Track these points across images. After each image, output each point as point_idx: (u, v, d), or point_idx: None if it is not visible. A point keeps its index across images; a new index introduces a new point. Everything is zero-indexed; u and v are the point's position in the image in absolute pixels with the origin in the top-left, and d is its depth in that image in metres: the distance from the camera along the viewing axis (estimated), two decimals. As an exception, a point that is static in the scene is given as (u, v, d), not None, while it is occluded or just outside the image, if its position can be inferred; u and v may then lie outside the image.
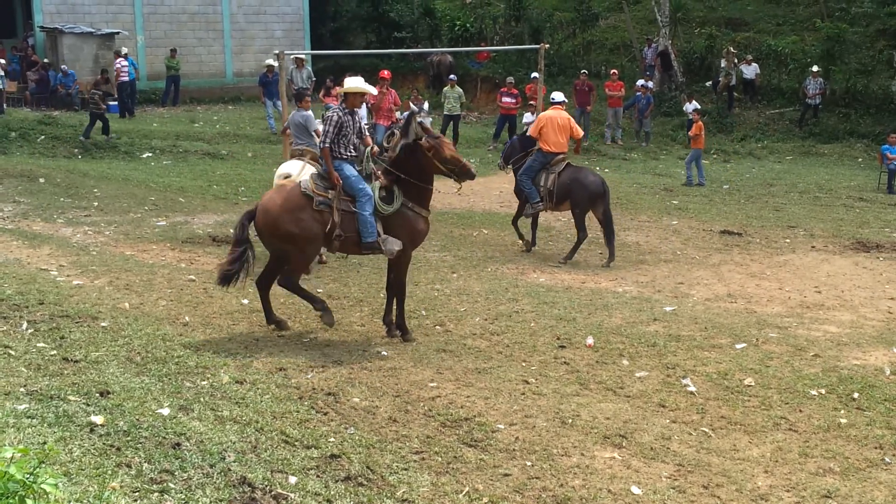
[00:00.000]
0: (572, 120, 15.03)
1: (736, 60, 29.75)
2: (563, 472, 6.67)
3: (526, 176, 14.52)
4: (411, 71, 33.27)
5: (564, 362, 9.09)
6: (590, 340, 9.70)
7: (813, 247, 15.39)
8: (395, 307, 9.77)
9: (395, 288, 9.76)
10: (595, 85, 27.75)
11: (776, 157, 26.33)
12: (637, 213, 18.05)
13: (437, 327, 10.15)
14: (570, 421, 7.61)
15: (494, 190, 19.67)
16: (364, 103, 15.57)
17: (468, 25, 33.61)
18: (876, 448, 7.33)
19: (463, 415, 7.60)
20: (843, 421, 7.83)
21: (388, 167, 9.45)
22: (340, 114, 9.40)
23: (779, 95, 30.26)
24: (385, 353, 9.14)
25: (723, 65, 29.65)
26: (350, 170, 9.38)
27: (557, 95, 15.11)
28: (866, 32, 31.53)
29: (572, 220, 14.69)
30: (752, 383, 8.63)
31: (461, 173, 9.53)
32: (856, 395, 8.40)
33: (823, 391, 8.51)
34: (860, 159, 26.22)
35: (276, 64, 22.09)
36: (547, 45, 26.67)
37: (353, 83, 9.78)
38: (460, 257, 13.87)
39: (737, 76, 30.09)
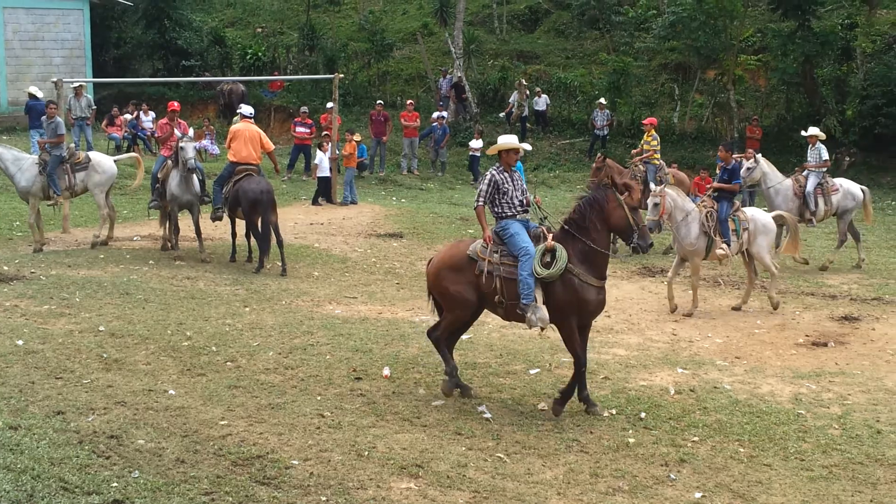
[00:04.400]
0: (262, 133, 15.87)
1: (528, 92, 30.66)
2: (359, 505, 6.56)
3: (217, 184, 15.56)
4: (201, 100, 32.45)
5: (361, 394, 8.98)
6: (386, 371, 9.63)
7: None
8: (576, 378, 8.76)
9: (574, 361, 8.74)
10: (391, 115, 27.93)
11: (567, 185, 27.17)
12: (433, 241, 18.19)
13: (229, 363, 9.81)
14: (367, 453, 7.51)
15: (289, 221, 19.37)
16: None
17: (260, 54, 33.15)
18: (662, 465, 7.58)
19: (255, 452, 7.39)
20: (632, 440, 8.07)
21: (564, 224, 8.68)
22: (495, 172, 8.94)
23: (569, 126, 31.36)
24: (172, 392, 8.74)
25: (514, 97, 30.48)
26: (517, 227, 8.77)
27: (246, 109, 16.03)
28: (649, 66, 33.24)
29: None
30: (546, 407, 8.78)
31: (642, 236, 8.44)
32: (643, 414, 8.69)
33: (613, 412, 8.77)
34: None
35: (39, 94, 21.19)
36: (341, 75, 26.75)
37: (506, 140, 9.18)
38: (253, 290, 13.52)
39: (529, 107, 31.03)
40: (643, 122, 19.18)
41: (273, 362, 9.89)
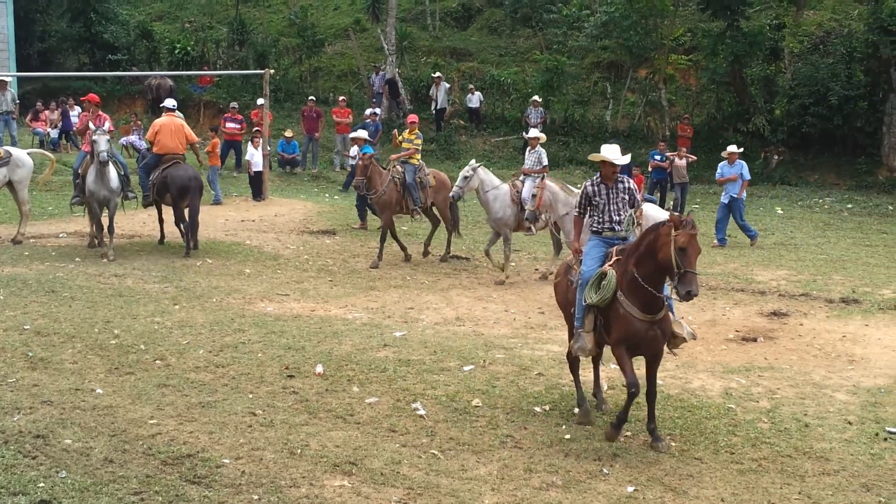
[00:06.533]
0: (186, 126, 16.52)
1: (447, 86, 30.62)
2: (292, 503, 6.51)
3: (143, 171, 16.05)
4: (128, 95, 31.86)
5: (293, 392, 8.88)
6: (319, 369, 9.53)
7: (536, 269, 15.97)
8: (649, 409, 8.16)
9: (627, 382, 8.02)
10: (323, 111, 27.73)
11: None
12: (367, 239, 18.11)
13: (158, 362, 9.63)
14: (299, 451, 7.43)
15: (220, 218, 19.15)
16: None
17: (189, 49, 32.66)
18: (595, 460, 7.61)
19: (185, 451, 7.28)
20: (566, 436, 8.09)
21: (618, 254, 8.05)
22: (588, 184, 8.53)
23: (503, 124, 31.45)
24: (100, 391, 8.57)
25: (432, 90, 30.38)
26: (590, 246, 8.34)
27: (169, 102, 16.79)
28: (582, 65, 33.50)
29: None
30: (480, 404, 8.76)
31: (683, 281, 7.40)
32: (576, 410, 8.70)
33: (547, 408, 8.78)
34: (578, 184, 27.70)
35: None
36: (272, 71, 26.47)
37: (604, 152, 8.55)
38: (182, 288, 13.29)
39: (462, 104, 31.04)
40: (408, 119, 17.59)
41: (203, 360, 9.74)
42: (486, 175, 15.26)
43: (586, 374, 9.07)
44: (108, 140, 14.71)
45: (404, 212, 16.43)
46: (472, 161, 15.56)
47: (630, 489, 7.05)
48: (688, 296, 7.35)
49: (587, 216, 8.72)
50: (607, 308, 7.94)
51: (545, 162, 15.35)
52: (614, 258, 7.98)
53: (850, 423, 8.60)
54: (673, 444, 8.03)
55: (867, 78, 27.34)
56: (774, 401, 9.18)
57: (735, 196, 18.43)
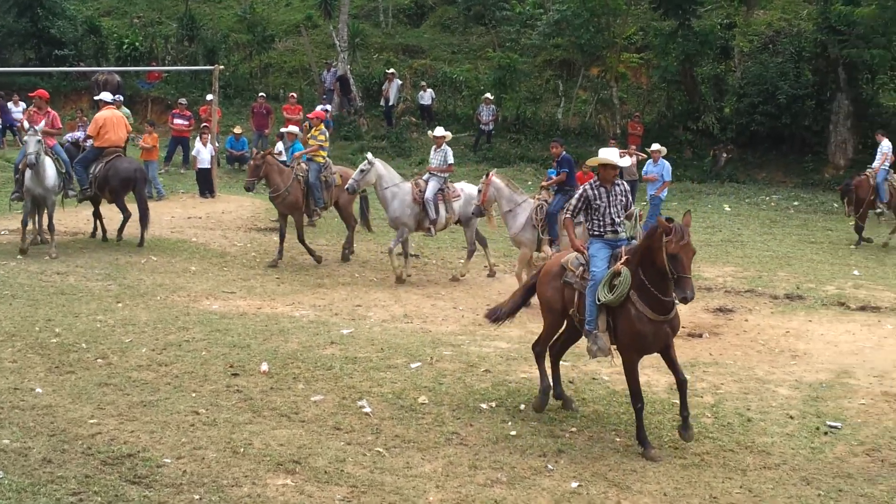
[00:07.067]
0: (125, 118, 17.00)
1: (400, 83, 30.55)
2: (234, 503, 6.46)
3: (81, 166, 15.86)
4: (75, 90, 31.35)
5: (237, 390, 8.79)
6: (264, 367, 9.44)
7: (485, 266, 15.95)
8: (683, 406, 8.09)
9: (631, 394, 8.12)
10: (273, 108, 27.51)
11: (452, 180, 27.13)
12: (315, 236, 17.97)
13: (99, 360, 9.49)
14: (242, 450, 7.36)
15: (166, 215, 18.91)
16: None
17: (137, 44, 32.23)
18: (540, 456, 7.62)
19: (126, 451, 7.20)
20: (512, 433, 8.09)
21: (628, 253, 8.01)
22: (588, 188, 8.47)
23: (454, 121, 31.34)
24: (39, 391, 8.44)
25: (385, 86, 30.29)
26: (597, 248, 8.29)
27: (107, 96, 17.04)
28: (534, 63, 33.50)
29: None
30: (426, 401, 8.74)
31: (679, 284, 7.46)
32: (522, 406, 8.73)
33: (493, 404, 8.77)
34: (529, 182, 27.71)
35: None
36: (222, 67, 26.15)
37: (603, 155, 8.53)
38: (126, 286, 13.11)
39: (413, 101, 30.97)
40: (308, 115, 17.26)
41: (146, 359, 9.61)
42: (386, 170, 14.82)
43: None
44: (39, 141, 14.37)
45: (304, 212, 15.86)
46: (369, 154, 15.14)
47: (574, 485, 7.06)
48: (684, 300, 7.43)
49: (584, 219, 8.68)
50: (619, 310, 7.91)
51: (451, 160, 15.16)
52: (624, 258, 7.95)
53: (791, 417, 8.69)
54: (618, 439, 8.07)
55: (815, 77, 27.68)
56: (718, 396, 9.26)
57: (653, 194, 18.52)
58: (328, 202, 16.01)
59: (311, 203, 15.70)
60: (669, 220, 7.63)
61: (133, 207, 16.18)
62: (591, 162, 8.70)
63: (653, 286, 7.66)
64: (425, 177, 15.02)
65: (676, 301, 7.61)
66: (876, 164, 18.68)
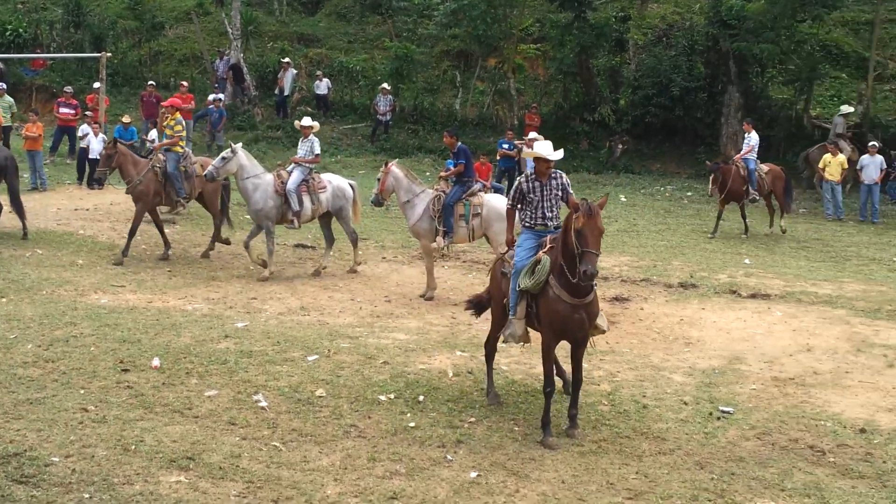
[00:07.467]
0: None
1: (295, 72, 30.18)
2: (125, 501, 6.30)
3: None
4: (-47, 78, 30.15)
5: (128, 386, 8.54)
6: (156, 362, 9.19)
7: (384, 258, 15.86)
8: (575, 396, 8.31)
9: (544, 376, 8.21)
10: (163, 96, 26.81)
11: (350, 171, 26.89)
12: (208, 228, 17.55)
13: (-19, 357, 9.09)
14: (134, 447, 7.16)
15: (52, 207, 18.28)
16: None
17: (22, 30, 31.07)
18: (439, 447, 7.59)
19: (12, 450, 6.98)
20: (411, 424, 8.04)
21: (550, 241, 8.15)
22: (523, 180, 8.51)
23: (351, 111, 31.14)
24: (-86, 391, 8.02)
25: (280, 75, 29.86)
26: (523, 239, 8.39)
27: None
28: (432, 53, 33.47)
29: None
30: (324, 394, 8.63)
31: (581, 260, 7.51)
32: (421, 397, 8.68)
33: (392, 396, 8.70)
34: (428, 173, 27.66)
35: None
36: (109, 54, 25.44)
37: (538, 149, 8.51)
38: (10, 280, 12.60)
39: (309, 91, 30.61)
40: (163, 104, 16.78)
41: (32, 355, 9.27)
42: (248, 160, 14.35)
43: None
44: None
45: (165, 202, 15.38)
46: (238, 144, 14.57)
47: (473, 475, 7.05)
48: (584, 274, 7.47)
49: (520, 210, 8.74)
50: (539, 294, 8.02)
51: (318, 151, 14.93)
52: (548, 246, 8.07)
53: (685, 403, 8.85)
54: (516, 428, 8.09)
55: (707, 70, 28.33)
56: (615, 384, 9.37)
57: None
58: (190, 193, 15.43)
59: (173, 194, 15.14)
60: (584, 199, 7.74)
61: (4, 199, 15.64)
62: (527, 154, 8.95)
63: (568, 269, 7.73)
64: (289, 168, 14.63)
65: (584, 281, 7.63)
66: (743, 152, 19.21)
